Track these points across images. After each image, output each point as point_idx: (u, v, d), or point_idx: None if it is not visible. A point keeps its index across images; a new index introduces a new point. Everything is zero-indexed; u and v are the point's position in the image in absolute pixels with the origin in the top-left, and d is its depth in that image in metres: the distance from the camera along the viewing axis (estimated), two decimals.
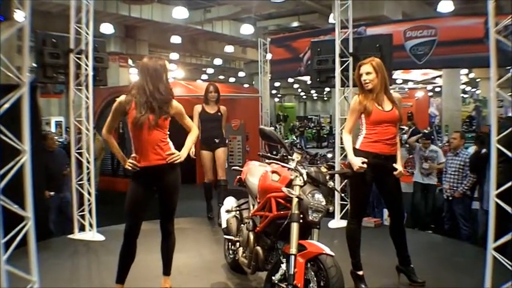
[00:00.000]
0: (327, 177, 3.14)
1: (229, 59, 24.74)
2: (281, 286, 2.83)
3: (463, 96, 21.36)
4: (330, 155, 10.87)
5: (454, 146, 6.41)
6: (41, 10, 12.39)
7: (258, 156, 3.74)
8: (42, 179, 5.30)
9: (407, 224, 5.27)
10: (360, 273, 3.58)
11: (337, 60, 5.73)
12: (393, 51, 5.69)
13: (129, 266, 3.36)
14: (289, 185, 3.07)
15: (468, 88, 27.39)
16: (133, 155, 3.32)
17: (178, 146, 3.42)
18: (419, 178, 6.98)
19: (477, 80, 22.92)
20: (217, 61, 24.26)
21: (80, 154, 5.31)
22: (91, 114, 5.38)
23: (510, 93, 4.82)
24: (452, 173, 6.23)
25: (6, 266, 2.27)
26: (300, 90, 38.10)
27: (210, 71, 28.48)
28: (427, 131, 11.45)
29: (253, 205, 3.64)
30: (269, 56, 11.80)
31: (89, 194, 5.29)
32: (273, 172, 3.36)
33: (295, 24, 17.18)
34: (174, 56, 21.01)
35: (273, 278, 2.90)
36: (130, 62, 18.36)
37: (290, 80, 29.79)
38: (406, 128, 11.71)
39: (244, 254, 3.65)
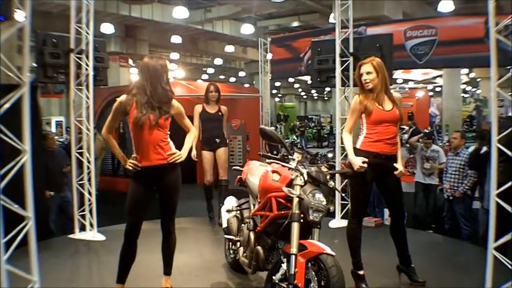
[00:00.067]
0: (328, 177, 3.14)
1: (230, 59, 24.75)
2: (282, 286, 2.83)
3: (463, 96, 21.36)
4: (330, 155, 10.87)
5: (455, 145, 6.40)
6: (42, 10, 12.40)
7: (259, 156, 3.74)
8: (42, 179, 5.30)
9: (408, 224, 5.27)
10: (361, 272, 3.58)
11: (338, 60, 5.73)
12: (393, 51, 5.69)
13: (130, 266, 3.36)
14: (290, 184, 3.07)
15: (469, 88, 27.40)
16: (134, 155, 3.32)
17: (179, 146, 3.43)
18: (421, 178, 6.98)
19: (477, 80, 22.92)
20: (218, 61, 24.27)
21: (81, 154, 5.31)
22: (91, 114, 5.38)
23: (510, 93, 4.83)
24: (453, 172, 6.23)
25: (7, 265, 2.27)
26: (300, 90, 38.10)
27: (211, 70, 28.49)
28: (427, 131, 11.44)
29: (254, 205, 3.64)
30: (269, 56, 11.80)
31: (90, 193, 5.30)
32: (274, 172, 3.36)
33: (295, 24, 17.18)
34: (175, 55, 21.02)
35: (274, 277, 2.90)
36: (130, 61, 18.37)
37: (290, 79, 29.82)
38: (406, 127, 11.71)
39: (244, 254, 3.65)
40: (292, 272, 2.75)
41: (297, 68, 12.20)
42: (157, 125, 3.24)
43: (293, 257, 2.78)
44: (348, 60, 5.71)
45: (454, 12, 10.81)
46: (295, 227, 2.87)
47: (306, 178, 3.02)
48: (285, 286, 2.79)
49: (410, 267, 3.69)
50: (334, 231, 5.38)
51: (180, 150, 3.41)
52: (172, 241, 3.50)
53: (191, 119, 5.12)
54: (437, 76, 18.99)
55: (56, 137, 7.92)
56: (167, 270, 3.52)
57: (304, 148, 17.23)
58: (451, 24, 10.13)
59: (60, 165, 6.10)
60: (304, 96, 44.40)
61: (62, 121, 18.58)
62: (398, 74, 18.23)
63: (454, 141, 6.45)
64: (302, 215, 2.93)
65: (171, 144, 3.37)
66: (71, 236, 5.34)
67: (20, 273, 2.36)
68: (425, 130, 11.58)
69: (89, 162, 5.31)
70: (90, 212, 5.28)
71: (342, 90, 5.79)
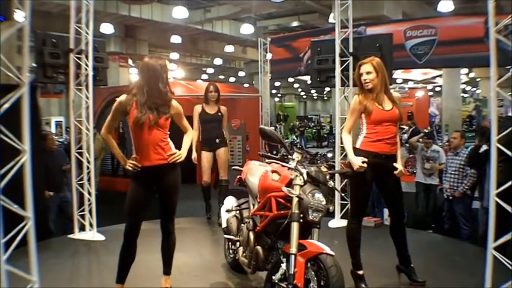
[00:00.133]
0: (327, 177, 3.14)
1: (230, 59, 24.74)
2: (281, 286, 2.83)
3: (463, 96, 21.37)
4: (330, 155, 10.85)
5: (454, 145, 6.40)
6: (41, 10, 12.39)
7: (258, 155, 3.74)
8: (42, 179, 5.30)
9: (409, 224, 5.26)
10: (360, 272, 3.58)
11: (337, 59, 5.73)
12: (393, 50, 5.69)
13: (129, 266, 3.36)
14: (290, 184, 3.07)
15: (468, 87, 27.41)
16: (134, 155, 3.32)
17: (178, 147, 3.43)
18: (422, 178, 6.98)
19: (477, 80, 22.93)
20: (218, 61, 24.26)
21: (80, 154, 5.31)
22: (91, 114, 5.38)
23: (510, 93, 4.82)
24: (453, 172, 6.23)
25: (6, 266, 2.27)
26: (300, 89, 38.10)
27: (210, 70, 28.48)
28: (427, 131, 11.44)
29: (254, 205, 3.64)
30: (269, 56, 11.80)
31: (89, 193, 5.30)
32: (273, 172, 3.36)
33: (295, 24, 17.18)
34: (174, 55, 21.02)
35: (273, 277, 2.90)
36: (130, 61, 18.37)
37: (290, 79, 29.81)
38: (406, 127, 11.71)
39: (244, 254, 3.65)
40: (292, 272, 2.75)
41: (296, 68, 12.19)
42: (157, 125, 3.24)
43: (292, 256, 2.78)
44: (348, 60, 5.71)
45: (453, 12, 10.81)
46: (295, 226, 2.87)
47: (305, 178, 3.02)
48: (285, 286, 2.79)
49: (410, 267, 3.69)
50: (333, 231, 5.38)
51: (179, 150, 3.41)
52: (172, 241, 3.50)
53: (190, 119, 5.13)
54: (437, 76, 19.01)
55: (56, 137, 7.92)
56: (167, 270, 3.52)
57: (304, 148, 17.22)
58: (450, 24, 10.12)
59: (59, 165, 6.11)
60: (304, 96, 44.40)
61: (61, 121, 18.60)
62: (398, 74, 18.24)
63: (454, 141, 6.45)
64: (302, 215, 2.93)
65: (171, 144, 3.37)
66: (71, 236, 5.34)
67: (20, 273, 2.36)
68: (425, 130, 11.58)
69: (88, 162, 5.31)
70: (90, 212, 5.28)
71: (342, 90, 5.79)
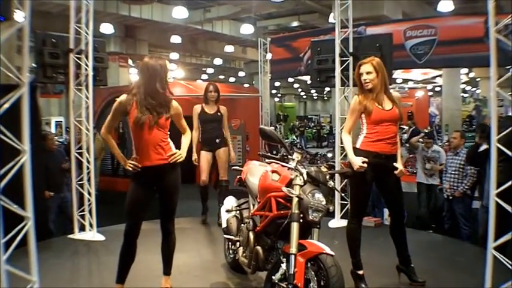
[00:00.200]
0: (327, 177, 3.14)
1: (229, 59, 24.75)
2: (281, 286, 2.83)
3: (463, 96, 21.37)
4: (330, 155, 10.85)
5: (454, 145, 6.39)
6: (41, 10, 12.40)
7: (258, 155, 3.74)
8: (42, 179, 5.31)
9: (410, 225, 5.26)
10: (360, 272, 3.58)
11: (337, 59, 5.73)
12: (393, 50, 5.68)
13: (129, 266, 3.36)
14: (289, 184, 3.07)
15: (468, 87, 27.40)
16: (134, 155, 3.32)
17: (178, 147, 3.43)
18: (423, 179, 6.97)
19: (477, 80, 22.91)
20: (217, 61, 24.26)
21: (80, 154, 5.31)
22: (91, 114, 5.38)
23: (510, 93, 4.82)
24: (453, 172, 6.22)
25: (6, 266, 2.27)
26: (300, 90, 38.09)
27: (210, 70, 28.48)
28: (427, 131, 11.43)
29: (254, 205, 3.64)
30: (269, 56, 11.80)
31: (89, 194, 5.29)
32: (273, 172, 3.36)
33: (295, 24, 17.18)
34: (174, 55, 21.02)
35: (273, 277, 2.90)
36: (130, 62, 18.36)
37: (290, 79, 29.79)
38: (406, 127, 11.70)
39: (244, 254, 3.65)
40: (292, 272, 2.75)
41: (296, 68, 12.20)
42: (158, 125, 3.24)
43: (292, 256, 2.78)
44: (348, 60, 5.71)
45: (453, 12, 10.81)
46: (295, 226, 2.87)
47: (305, 178, 3.02)
48: (285, 286, 2.79)
49: (410, 267, 3.69)
50: (333, 231, 5.38)
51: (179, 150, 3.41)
52: (172, 241, 3.49)
53: (190, 119, 5.13)
54: (437, 76, 19.01)
55: (56, 137, 7.91)
56: (167, 270, 3.51)
57: (304, 148, 17.23)
58: (450, 24, 10.12)
59: (59, 166, 6.10)
60: (304, 96, 44.40)
61: (61, 121, 18.58)
62: (398, 74, 18.24)
63: (454, 141, 6.44)
64: (301, 215, 2.93)
65: (171, 144, 3.37)
66: (71, 236, 5.33)
67: (20, 274, 2.36)
68: (425, 130, 11.59)
69: (88, 162, 5.31)
70: (90, 212, 5.28)
71: (342, 90, 5.79)
